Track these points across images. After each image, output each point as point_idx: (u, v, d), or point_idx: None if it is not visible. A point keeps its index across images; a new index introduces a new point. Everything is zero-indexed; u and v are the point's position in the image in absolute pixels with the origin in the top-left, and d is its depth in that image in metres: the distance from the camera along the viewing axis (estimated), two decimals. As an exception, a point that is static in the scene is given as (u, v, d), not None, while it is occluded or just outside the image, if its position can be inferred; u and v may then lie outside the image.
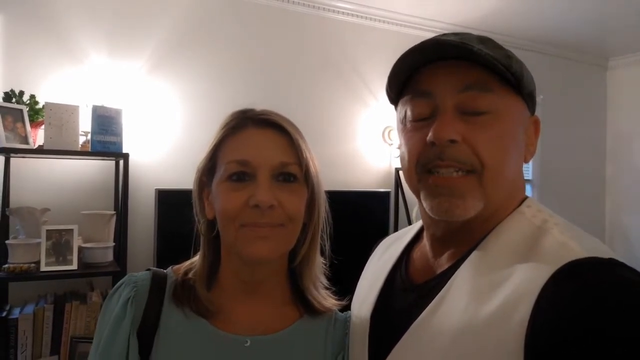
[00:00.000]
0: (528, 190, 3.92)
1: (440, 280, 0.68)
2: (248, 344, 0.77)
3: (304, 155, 0.77)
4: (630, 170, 4.11)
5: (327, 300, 0.86)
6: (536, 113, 0.74)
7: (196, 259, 0.83)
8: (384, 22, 3.25)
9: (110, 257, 2.20)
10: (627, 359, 0.47)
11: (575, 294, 0.52)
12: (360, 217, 2.86)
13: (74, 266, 2.07)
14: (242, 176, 0.74)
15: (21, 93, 2.19)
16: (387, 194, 3.02)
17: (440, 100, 0.66)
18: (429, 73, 0.67)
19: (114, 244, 2.25)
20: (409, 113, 0.70)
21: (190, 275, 0.80)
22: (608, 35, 3.71)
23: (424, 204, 0.69)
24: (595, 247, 0.58)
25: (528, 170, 3.92)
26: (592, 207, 4.21)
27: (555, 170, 3.96)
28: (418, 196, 0.71)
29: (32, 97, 2.24)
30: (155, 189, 2.36)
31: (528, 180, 3.91)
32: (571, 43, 3.86)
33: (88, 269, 2.13)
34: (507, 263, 0.61)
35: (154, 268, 0.83)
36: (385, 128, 3.22)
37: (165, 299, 0.78)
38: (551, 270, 0.55)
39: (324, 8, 3.06)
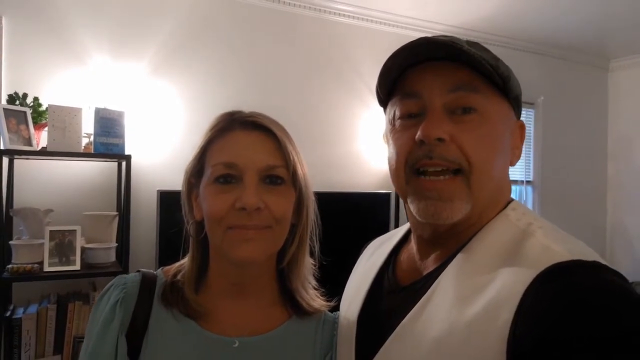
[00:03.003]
0: (529, 192, 3.92)
1: (426, 282, 0.69)
2: (236, 344, 0.77)
3: (291, 158, 0.77)
4: (631, 171, 4.09)
5: (316, 301, 0.86)
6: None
7: (186, 260, 0.83)
8: (384, 24, 3.25)
9: (112, 257, 2.22)
10: None
11: (557, 296, 0.52)
12: (361, 218, 2.87)
13: (76, 266, 2.09)
14: (229, 178, 0.75)
15: (25, 95, 2.22)
16: (388, 195, 3.02)
17: (428, 101, 0.67)
18: (417, 74, 0.68)
19: (116, 244, 2.27)
20: (397, 113, 0.71)
21: (179, 276, 0.81)
22: (609, 37, 3.69)
23: (411, 207, 0.69)
24: (579, 250, 0.59)
25: (529, 172, 3.92)
26: (594, 209, 4.19)
27: (557, 172, 3.95)
28: (405, 199, 0.72)
29: (36, 99, 2.26)
30: (157, 190, 2.38)
31: (529, 182, 3.91)
32: (572, 45, 3.85)
33: (91, 270, 2.14)
34: (492, 266, 0.62)
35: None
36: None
37: (154, 301, 0.78)
38: (534, 274, 0.55)
39: (325, 10, 3.07)
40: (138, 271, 0.83)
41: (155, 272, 0.84)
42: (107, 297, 0.79)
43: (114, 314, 0.76)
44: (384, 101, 0.77)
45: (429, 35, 0.68)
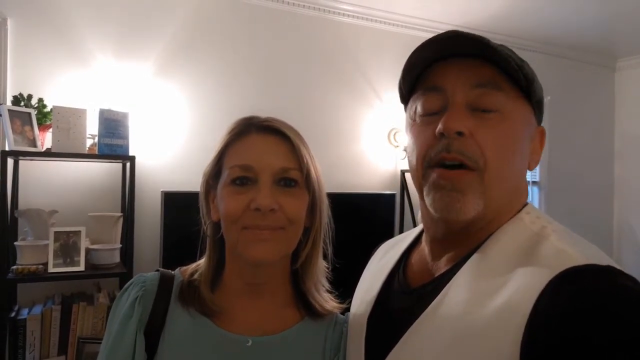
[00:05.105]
0: (535, 193, 3.90)
1: (438, 283, 0.68)
2: (249, 343, 0.79)
3: (305, 161, 0.79)
4: (638, 171, 4.07)
5: (329, 303, 0.88)
6: (544, 114, 0.75)
7: (203, 260, 0.86)
8: (388, 23, 3.24)
9: (117, 258, 2.22)
10: None
11: (572, 300, 0.52)
12: (366, 219, 2.87)
13: (81, 267, 2.09)
14: (245, 180, 0.77)
15: (29, 97, 2.23)
16: (393, 195, 3.02)
17: (451, 95, 0.66)
18: (441, 69, 0.68)
19: (120, 245, 2.27)
20: (419, 108, 0.71)
21: (195, 276, 0.84)
22: (616, 37, 3.68)
23: (426, 200, 0.69)
24: (594, 254, 0.59)
25: (535, 172, 3.89)
26: (600, 209, 4.17)
27: (563, 172, 3.93)
28: (421, 193, 0.71)
29: (40, 100, 2.27)
30: (162, 191, 2.38)
31: (535, 182, 3.89)
32: (579, 44, 3.84)
33: (95, 270, 2.14)
34: (505, 268, 0.61)
35: (163, 269, 0.86)
36: (391, 130, 3.22)
37: (171, 299, 0.81)
38: (549, 277, 0.55)
39: (329, 11, 3.07)
40: (157, 270, 0.86)
41: (173, 272, 0.86)
42: (127, 295, 0.82)
43: (132, 310, 0.79)
44: (405, 97, 0.76)
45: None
